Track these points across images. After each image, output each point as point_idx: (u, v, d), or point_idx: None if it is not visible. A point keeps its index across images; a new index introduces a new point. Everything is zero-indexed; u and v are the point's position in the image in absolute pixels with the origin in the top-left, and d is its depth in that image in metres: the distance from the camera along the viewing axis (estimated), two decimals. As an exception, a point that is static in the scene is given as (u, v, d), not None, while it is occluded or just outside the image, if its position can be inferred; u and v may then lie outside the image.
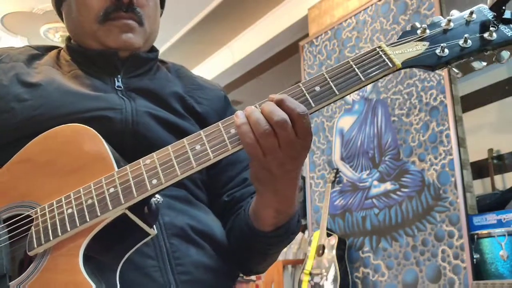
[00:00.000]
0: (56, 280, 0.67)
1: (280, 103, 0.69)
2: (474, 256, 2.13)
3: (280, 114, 0.68)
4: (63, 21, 1.01)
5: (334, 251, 2.65)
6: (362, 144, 2.79)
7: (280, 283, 3.18)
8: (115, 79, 0.92)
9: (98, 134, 0.75)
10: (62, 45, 1.02)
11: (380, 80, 2.74)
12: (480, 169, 3.64)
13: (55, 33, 4.05)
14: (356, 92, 2.92)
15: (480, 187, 3.70)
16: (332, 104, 3.06)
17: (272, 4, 3.79)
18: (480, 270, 2.11)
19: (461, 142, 2.30)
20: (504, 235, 2.05)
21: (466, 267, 2.15)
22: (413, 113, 2.54)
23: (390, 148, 2.63)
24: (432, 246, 2.33)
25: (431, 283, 2.31)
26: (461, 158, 2.27)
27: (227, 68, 4.37)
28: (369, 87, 2.82)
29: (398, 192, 2.54)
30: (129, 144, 0.84)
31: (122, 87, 0.92)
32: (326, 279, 2.62)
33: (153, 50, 1.02)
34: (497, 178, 3.64)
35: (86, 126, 0.76)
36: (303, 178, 3.26)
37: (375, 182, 2.67)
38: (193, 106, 0.95)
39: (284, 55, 4.03)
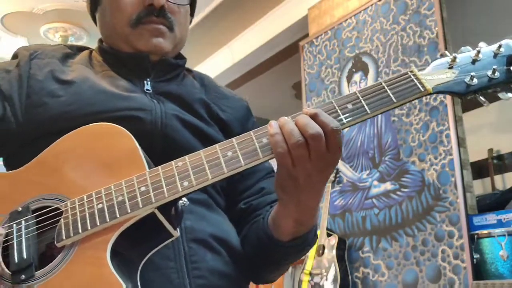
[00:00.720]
0: (83, 272, 0.69)
1: (314, 117, 0.72)
2: (474, 256, 2.13)
3: (315, 127, 0.70)
4: (96, 24, 1.05)
5: (334, 251, 2.65)
6: (362, 144, 2.79)
7: (280, 283, 3.18)
8: (145, 82, 0.95)
9: (130, 134, 0.77)
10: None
11: (380, 80, 2.75)
12: (480, 169, 3.64)
13: (55, 33, 4.05)
14: (356, 92, 2.92)
15: (480, 187, 3.71)
16: (332, 104, 3.07)
17: (272, 4, 3.79)
18: (480, 270, 2.11)
19: (461, 142, 2.30)
20: (504, 235, 2.05)
21: (466, 267, 2.15)
22: (413, 113, 2.54)
23: (390, 148, 2.63)
24: (432, 246, 2.33)
25: (431, 283, 2.31)
26: (461, 158, 2.27)
27: (227, 68, 4.37)
28: (369, 87, 2.81)
29: (398, 192, 2.54)
30: (156, 145, 0.86)
31: (151, 90, 0.94)
32: (326, 279, 2.62)
33: (181, 57, 1.05)
34: (497, 178, 3.64)
35: (119, 126, 0.78)
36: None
37: (375, 182, 2.67)
38: (217, 113, 0.98)
39: (284, 55, 4.02)
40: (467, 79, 0.75)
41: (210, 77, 1.10)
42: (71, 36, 4.08)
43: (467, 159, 2.31)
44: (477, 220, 2.19)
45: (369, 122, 2.79)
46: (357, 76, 2.94)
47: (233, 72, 4.42)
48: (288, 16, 3.69)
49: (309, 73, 3.29)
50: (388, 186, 2.59)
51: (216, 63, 4.51)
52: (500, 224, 2.11)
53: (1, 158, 0.94)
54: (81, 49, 1.03)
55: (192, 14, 1.07)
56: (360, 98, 0.75)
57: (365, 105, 0.74)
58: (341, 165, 2.91)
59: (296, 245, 0.84)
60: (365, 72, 2.88)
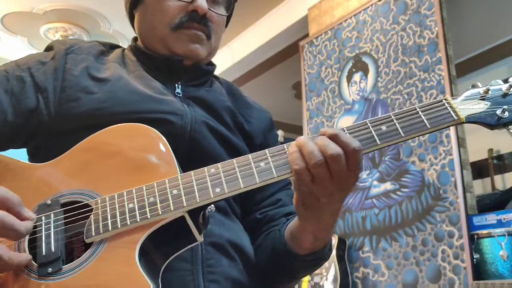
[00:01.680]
0: (112, 269, 0.69)
1: (334, 138, 0.72)
2: (474, 256, 2.13)
3: (334, 148, 0.71)
4: (131, 22, 1.05)
5: (334, 251, 2.65)
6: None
7: (280, 283, 3.19)
8: (176, 85, 0.97)
9: (163, 137, 0.78)
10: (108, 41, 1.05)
11: (380, 80, 2.75)
12: (480, 169, 3.64)
13: (55, 33, 4.05)
14: (356, 91, 2.92)
15: (480, 187, 3.70)
16: (332, 104, 3.07)
17: (272, 4, 3.79)
18: (480, 270, 2.11)
19: (461, 142, 2.30)
20: (504, 235, 2.05)
21: (466, 267, 2.15)
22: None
23: (390, 148, 2.63)
24: (432, 246, 2.33)
25: (431, 283, 2.30)
26: (461, 158, 2.27)
27: (227, 68, 4.37)
28: (369, 86, 2.82)
29: (398, 192, 2.54)
30: (183, 149, 0.86)
31: (181, 94, 0.96)
32: (326, 279, 2.62)
33: (211, 64, 1.07)
34: (497, 178, 3.64)
35: (152, 128, 0.79)
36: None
37: (375, 182, 2.67)
38: (242, 123, 0.99)
39: (284, 55, 4.02)
40: (499, 112, 0.78)
41: (236, 86, 1.11)
42: (71, 36, 4.08)
43: (467, 159, 2.31)
44: (477, 220, 2.19)
45: (369, 122, 2.78)
46: (357, 76, 2.94)
47: (233, 72, 4.42)
48: (288, 16, 3.69)
49: (309, 73, 3.29)
50: (388, 186, 2.59)
51: (216, 63, 4.49)
52: (500, 224, 2.11)
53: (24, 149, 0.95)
54: (113, 47, 1.04)
55: (226, 25, 1.08)
56: (395, 120, 0.76)
57: (399, 128, 0.76)
58: (341, 165, 2.90)
59: (312, 259, 0.85)
60: (365, 72, 2.88)
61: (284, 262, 0.87)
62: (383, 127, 0.76)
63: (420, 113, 0.77)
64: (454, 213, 2.25)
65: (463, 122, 0.77)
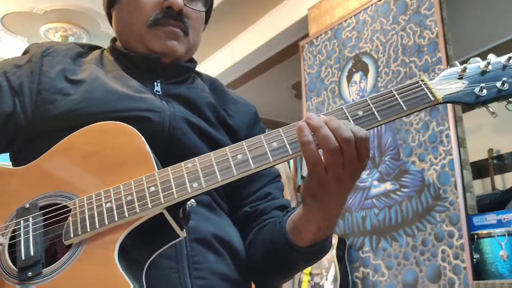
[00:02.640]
0: (91, 270, 0.69)
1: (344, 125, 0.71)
2: (474, 256, 2.13)
3: (347, 131, 0.70)
4: (110, 22, 1.05)
5: (334, 251, 2.65)
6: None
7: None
8: (155, 83, 0.96)
9: (140, 135, 0.77)
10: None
11: (380, 80, 2.75)
12: (480, 169, 3.64)
13: (55, 33, 4.05)
14: (356, 91, 2.92)
15: (480, 187, 3.70)
16: (332, 104, 3.06)
17: (272, 4, 3.79)
18: (480, 270, 2.11)
19: (461, 142, 2.30)
20: (504, 235, 2.05)
21: (466, 267, 2.15)
22: (413, 113, 2.53)
23: (390, 148, 2.63)
24: (432, 246, 2.33)
25: (431, 283, 2.30)
26: (461, 158, 2.27)
27: (227, 68, 4.36)
28: (369, 86, 2.82)
29: (398, 192, 2.54)
30: (162, 146, 0.86)
31: (160, 91, 0.95)
32: (326, 279, 2.62)
33: (192, 61, 1.05)
34: (497, 178, 3.64)
35: (128, 125, 0.78)
36: (303, 178, 3.26)
37: (375, 182, 2.67)
38: (225, 118, 0.98)
39: (284, 55, 4.02)
40: (476, 90, 0.76)
41: (219, 81, 1.10)
42: (71, 36, 4.08)
43: (467, 159, 2.31)
44: (477, 220, 2.19)
45: (369, 122, 2.78)
46: (357, 76, 2.94)
47: (233, 72, 4.42)
48: (288, 16, 3.69)
49: (309, 73, 3.29)
50: (388, 186, 2.59)
51: (216, 63, 4.51)
52: (500, 224, 2.11)
53: (7, 154, 0.94)
54: (93, 48, 1.03)
55: (206, 22, 1.08)
56: (371, 105, 0.75)
57: (375, 113, 0.75)
58: (341, 165, 2.90)
59: (314, 251, 0.84)
60: (365, 72, 2.88)
61: (284, 255, 0.86)
62: (360, 112, 0.75)
63: (396, 95, 0.76)
64: (454, 213, 2.25)
65: (440, 103, 0.76)
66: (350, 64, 3.00)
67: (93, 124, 0.79)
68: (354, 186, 0.77)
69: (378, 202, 2.63)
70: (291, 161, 3.82)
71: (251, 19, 3.99)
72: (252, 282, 0.97)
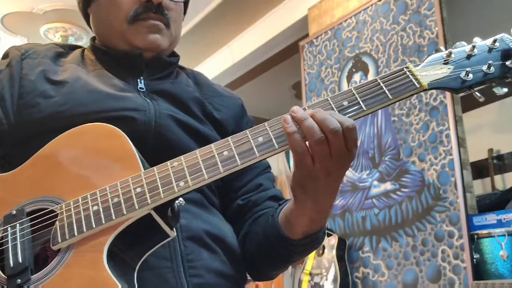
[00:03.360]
0: (80, 275, 0.68)
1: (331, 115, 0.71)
2: (474, 256, 2.13)
3: (335, 122, 0.69)
4: (87, 22, 1.04)
5: (334, 251, 2.65)
6: (362, 144, 2.79)
7: (280, 283, 3.18)
8: (138, 80, 0.95)
9: (125, 135, 0.76)
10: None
11: (380, 80, 2.75)
12: (480, 169, 3.64)
13: (55, 33, 4.05)
14: (356, 92, 2.92)
15: (480, 187, 3.70)
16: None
17: (272, 4, 3.79)
18: (480, 270, 2.11)
19: (461, 142, 2.30)
20: (504, 235, 2.05)
21: (466, 267, 2.15)
22: (413, 113, 2.54)
23: (390, 148, 2.63)
24: (432, 246, 2.33)
25: (431, 283, 2.30)
26: (461, 158, 2.27)
27: (227, 68, 4.36)
28: (369, 87, 2.81)
29: (398, 192, 2.54)
30: (150, 145, 0.85)
31: (144, 88, 0.94)
32: (326, 279, 2.62)
33: (174, 55, 1.04)
34: (497, 178, 3.64)
35: (113, 126, 0.77)
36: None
37: (375, 182, 2.67)
38: (211, 112, 0.97)
39: (284, 55, 4.02)
40: (462, 75, 0.74)
41: (203, 75, 1.09)
42: (71, 36, 4.08)
43: (467, 159, 2.31)
44: (477, 220, 2.19)
45: (369, 122, 2.79)
46: (357, 76, 2.94)
47: (233, 72, 4.42)
48: (288, 16, 3.69)
49: (309, 73, 3.29)
50: (388, 186, 2.59)
51: (216, 63, 4.50)
52: (500, 224, 2.11)
53: None
54: (73, 47, 1.02)
55: (184, 13, 1.06)
56: (356, 95, 0.74)
57: (360, 102, 0.74)
58: (341, 165, 2.90)
59: (307, 243, 0.84)
60: (365, 72, 2.88)
61: (277, 247, 0.85)
62: (345, 102, 0.74)
63: (381, 84, 0.74)
64: (454, 213, 2.25)
65: (426, 89, 0.74)
66: (350, 64, 3.00)
67: (77, 127, 0.78)
68: (343, 178, 0.77)
69: (378, 202, 2.63)
70: (291, 161, 3.82)
71: (251, 19, 3.99)
72: (247, 274, 0.97)
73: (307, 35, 3.41)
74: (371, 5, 2.91)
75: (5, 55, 0.96)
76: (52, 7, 3.77)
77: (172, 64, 1.01)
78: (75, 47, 1.02)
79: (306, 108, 0.74)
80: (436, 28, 2.48)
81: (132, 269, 0.72)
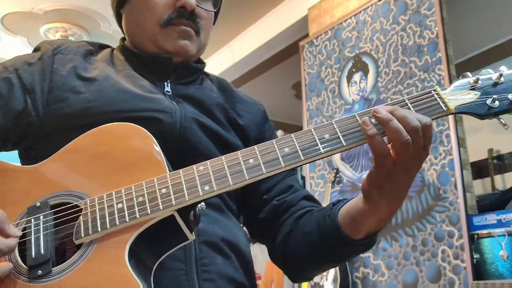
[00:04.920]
0: (101, 270, 0.69)
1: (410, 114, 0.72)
2: (474, 256, 2.13)
3: (415, 120, 0.70)
4: (119, 22, 1.05)
5: (334, 251, 2.65)
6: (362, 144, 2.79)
7: (280, 283, 3.18)
8: (165, 83, 0.96)
9: (152, 136, 0.77)
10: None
11: (380, 80, 2.75)
12: (480, 169, 3.64)
13: (55, 33, 4.05)
14: (356, 91, 2.92)
15: (480, 187, 3.70)
16: (332, 104, 3.07)
17: (272, 4, 3.79)
18: (480, 270, 2.11)
19: (461, 142, 2.30)
20: (504, 235, 2.05)
21: (466, 267, 2.15)
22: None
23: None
24: (432, 246, 2.33)
25: (431, 283, 2.31)
26: (461, 158, 2.27)
27: (227, 68, 4.37)
28: (369, 86, 2.82)
29: (398, 192, 2.53)
30: (173, 147, 0.86)
31: (170, 92, 0.95)
32: (326, 279, 2.62)
33: (200, 61, 1.06)
34: (497, 178, 3.64)
35: (141, 127, 0.78)
36: (303, 178, 3.26)
37: (375, 182, 2.66)
38: (235, 118, 0.99)
39: (284, 55, 4.03)
40: (488, 101, 0.76)
41: (227, 81, 1.11)
42: (71, 36, 4.08)
43: (467, 159, 2.31)
44: (477, 220, 2.19)
45: (369, 122, 2.78)
46: (357, 76, 2.94)
47: (233, 72, 4.42)
48: (288, 16, 3.69)
49: (309, 73, 3.29)
50: (388, 186, 2.59)
51: (216, 63, 4.51)
52: (500, 224, 2.11)
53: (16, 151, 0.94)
54: (102, 46, 1.03)
55: (214, 22, 1.08)
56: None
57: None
58: (341, 165, 2.91)
59: (367, 242, 0.84)
60: (365, 72, 2.88)
61: (335, 247, 0.85)
62: (373, 120, 0.74)
63: (409, 104, 0.76)
64: (454, 213, 2.25)
65: (452, 113, 0.76)
66: (350, 64, 3.00)
67: (104, 125, 0.79)
68: (417, 173, 0.77)
69: (378, 202, 2.62)
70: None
71: (251, 19, 3.99)
72: (285, 274, 0.97)
73: (307, 35, 3.41)
74: (371, 5, 2.91)
75: (37, 49, 0.97)
76: (52, 7, 3.77)
77: (198, 70, 1.03)
78: (104, 46, 1.04)
79: (334, 123, 0.74)
80: (436, 28, 2.48)
81: (150, 269, 0.73)
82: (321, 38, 3.24)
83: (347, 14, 3.07)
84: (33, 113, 0.87)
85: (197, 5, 0.96)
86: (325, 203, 2.81)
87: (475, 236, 2.15)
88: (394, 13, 2.76)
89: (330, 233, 0.85)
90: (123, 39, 1.05)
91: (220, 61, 4.47)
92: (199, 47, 1.00)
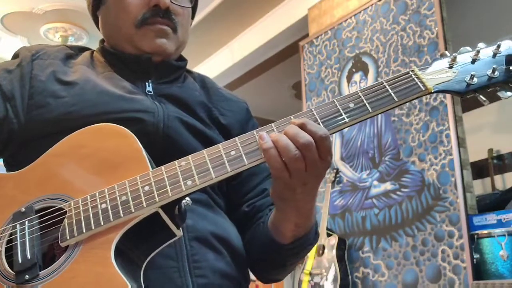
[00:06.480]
0: (88, 271, 0.69)
1: (302, 127, 0.72)
2: (474, 256, 2.13)
3: (305, 136, 0.71)
4: (96, 25, 1.05)
5: (334, 251, 2.65)
6: (362, 144, 2.79)
7: (280, 283, 3.18)
8: (146, 83, 0.96)
9: (133, 135, 0.77)
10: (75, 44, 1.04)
11: (380, 80, 2.75)
12: (480, 169, 3.64)
13: (55, 33, 4.05)
14: (356, 92, 2.92)
15: (480, 187, 3.70)
16: (332, 104, 3.07)
17: (272, 4, 3.79)
18: (480, 270, 2.11)
19: (461, 142, 2.30)
20: (504, 235, 2.05)
21: (466, 267, 2.15)
22: (413, 113, 2.54)
23: (390, 148, 2.63)
24: (432, 246, 2.33)
25: (431, 283, 2.31)
26: (461, 158, 2.27)
27: (227, 68, 4.36)
28: (369, 87, 2.81)
29: (398, 192, 2.54)
30: (158, 146, 0.86)
31: (152, 92, 0.95)
32: (326, 279, 2.62)
33: (182, 59, 1.05)
34: (497, 178, 3.64)
35: (122, 127, 0.78)
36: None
37: (375, 182, 2.67)
38: (217, 117, 0.99)
39: (284, 55, 4.02)
40: (467, 78, 0.76)
41: (210, 79, 1.10)
42: (71, 36, 4.08)
43: (467, 159, 2.31)
44: (477, 220, 2.19)
45: (369, 122, 2.79)
46: (357, 76, 2.94)
47: (233, 72, 4.42)
48: (288, 16, 3.69)
49: (309, 73, 3.29)
50: (388, 186, 2.59)
51: (216, 63, 4.51)
52: (500, 224, 2.11)
53: (1, 159, 0.94)
54: (82, 49, 1.03)
55: (192, 17, 1.07)
56: (362, 97, 0.76)
57: (367, 104, 0.75)
58: (341, 165, 2.91)
59: (296, 246, 0.85)
60: (365, 72, 2.88)
61: (272, 254, 0.87)
62: (351, 104, 0.75)
63: (387, 86, 0.76)
64: (454, 213, 2.25)
65: (431, 92, 0.76)
66: (350, 64, 3.00)
67: (86, 127, 0.79)
68: (320, 183, 0.79)
69: (378, 202, 2.63)
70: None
71: (251, 19, 3.99)
72: (256, 278, 0.99)
73: (307, 35, 3.41)
74: (371, 5, 2.91)
75: (15, 56, 0.97)
76: (52, 7, 3.77)
77: (179, 68, 1.02)
78: (84, 49, 1.03)
79: (313, 110, 0.75)
80: (436, 28, 2.48)
81: (139, 267, 0.73)
82: (321, 38, 3.24)
83: (347, 14, 3.07)
84: (15, 120, 0.87)
85: (172, 2, 0.95)
86: (325, 203, 2.82)
87: (475, 236, 2.15)
88: (394, 13, 2.76)
89: (264, 240, 0.88)
90: (103, 40, 1.04)
91: (220, 61, 4.47)
92: (177, 45, 0.99)
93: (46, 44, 1.01)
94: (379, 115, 2.72)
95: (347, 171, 2.86)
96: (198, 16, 3.86)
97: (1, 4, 3.69)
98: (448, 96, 2.37)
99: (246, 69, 4.39)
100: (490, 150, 3.68)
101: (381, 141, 2.69)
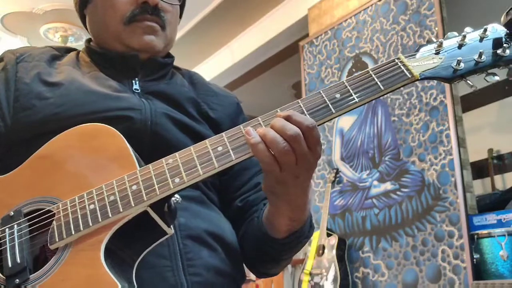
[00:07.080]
0: (78, 273, 0.69)
1: (288, 119, 0.72)
2: (474, 256, 2.13)
3: (292, 128, 0.70)
4: (84, 23, 1.04)
5: (334, 251, 2.65)
6: (362, 144, 2.79)
7: (280, 283, 3.18)
8: (133, 81, 0.95)
9: (120, 134, 0.77)
10: (63, 45, 1.03)
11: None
12: (480, 169, 3.64)
13: (55, 33, 4.05)
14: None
15: (480, 187, 3.70)
16: (332, 104, 3.07)
17: (272, 4, 3.79)
18: (480, 270, 2.11)
19: (461, 142, 2.30)
20: (504, 235, 2.05)
21: (466, 267, 2.15)
22: (413, 113, 2.54)
23: (390, 148, 2.63)
24: (432, 246, 2.33)
25: (431, 283, 2.31)
26: (461, 158, 2.27)
27: (227, 68, 4.37)
28: (369, 87, 2.82)
29: (398, 192, 2.54)
30: (147, 144, 0.86)
31: (139, 89, 0.94)
32: (326, 279, 2.62)
33: (169, 56, 1.05)
34: (497, 178, 3.64)
35: (108, 126, 0.77)
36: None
37: (375, 182, 2.67)
38: (207, 112, 0.98)
39: (284, 55, 4.02)
40: (453, 64, 0.75)
41: (198, 74, 1.10)
42: (71, 36, 4.08)
43: (467, 159, 2.31)
44: (477, 220, 2.19)
45: (369, 122, 2.79)
46: (357, 76, 2.94)
47: (233, 72, 4.42)
48: (288, 16, 3.69)
49: (309, 73, 3.29)
50: (388, 186, 2.59)
51: (216, 63, 4.51)
52: (500, 224, 2.12)
53: None
54: (68, 50, 1.02)
55: (180, 16, 1.07)
56: (348, 87, 0.75)
57: (353, 94, 0.74)
58: (341, 165, 2.91)
59: (291, 240, 0.85)
60: (365, 72, 2.88)
61: (267, 248, 0.87)
62: (337, 95, 0.74)
63: (373, 75, 0.75)
64: (454, 213, 2.25)
65: (417, 79, 0.75)
66: (350, 64, 3.00)
67: (72, 128, 0.79)
68: (312, 175, 0.78)
69: (378, 202, 2.63)
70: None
71: (251, 19, 3.99)
72: (251, 272, 0.98)
73: (307, 35, 3.41)
74: (371, 5, 2.91)
75: (0, 59, 0.96)
76: (52, 7, 3.77)
77: (166, 65, 1.02)
78: (70, 50, 1.03)
79: (300, 102, 0.75)
80: (436, 28, 2.48)
81: (131, 267, 0.72)
82: (321, 38, 3.24)
83: (347, 14, 3.07)
84: (1, 123, 0.87)
85: None
86: (325, 203, 2.82)
87: (475, 236, 2.15)
88: (394, 13, 2.76)
89: (259, 235, 0.87)
90: (89, 40, 1.04)
91: (219, 61, 4.47)
92: (166, 42, 0.99)
93: (31, 47, 1.00)
94: (379, 115, 2.72)
95: (347, 171, 2.86)
96: (198, 16, 3.86)
97: (1, 4, 3.69)
98: (448, 96, 2.37)
99: (246, 69, 4.39)
100: (490, 150, 3.68)
101: (381, 141, 2.69)
